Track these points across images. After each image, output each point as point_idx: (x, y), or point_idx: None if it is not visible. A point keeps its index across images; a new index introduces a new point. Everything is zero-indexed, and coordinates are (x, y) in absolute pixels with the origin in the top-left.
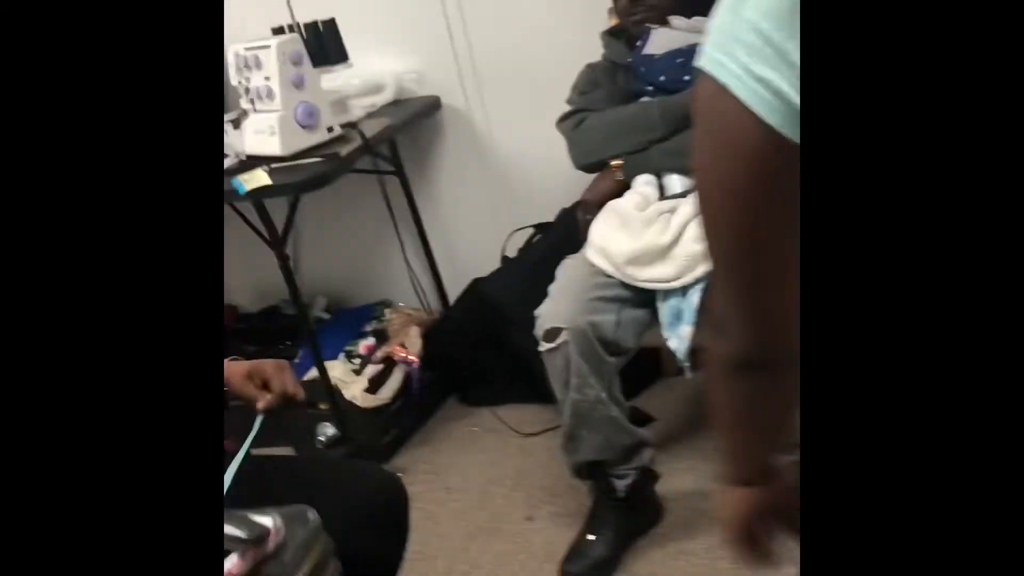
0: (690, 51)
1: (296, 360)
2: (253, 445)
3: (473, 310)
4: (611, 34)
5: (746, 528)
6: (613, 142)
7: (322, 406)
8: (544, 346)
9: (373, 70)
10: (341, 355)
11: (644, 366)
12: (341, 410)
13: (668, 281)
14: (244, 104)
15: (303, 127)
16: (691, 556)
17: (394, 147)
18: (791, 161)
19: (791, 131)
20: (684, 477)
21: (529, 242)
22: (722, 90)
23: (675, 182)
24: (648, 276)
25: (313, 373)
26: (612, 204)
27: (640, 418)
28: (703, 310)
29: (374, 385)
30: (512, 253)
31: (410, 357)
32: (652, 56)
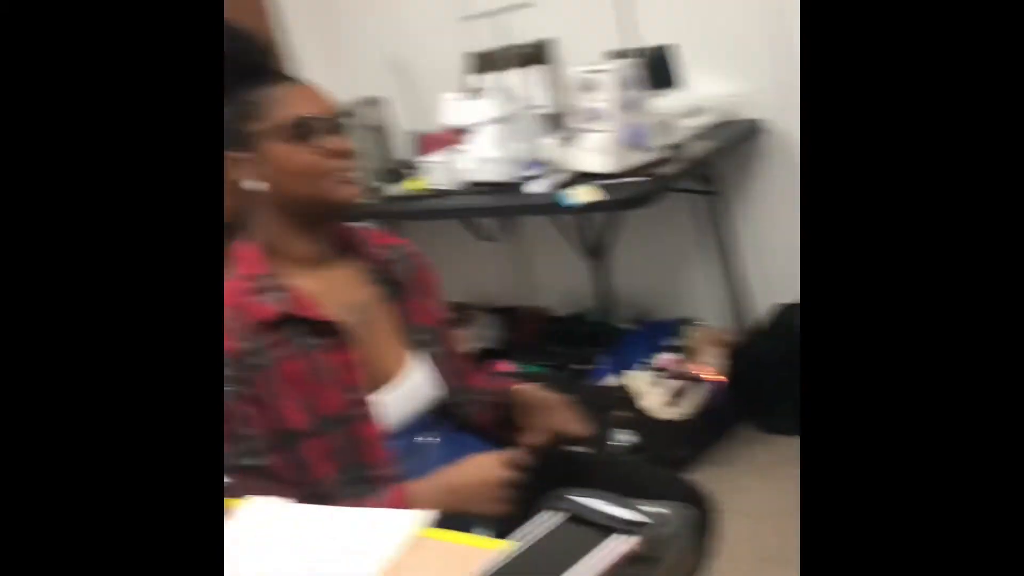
0: None
1: (597, 366)
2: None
3: (781, 336)
4: None
5: None
6: None
7: (620, 413)
8: None
9: (699, 92)
10: (642, 365)
11: None
12: (639, 419)
13: None
14: (575, 123)
15: (631, 147)
16: None
17: (714, 168)
18: None
19: None
20: None
21: None
22: None
23: None
24: None
25: (612, 380)
26: None
27: None
28: None
29: (673, 398)
30: None
31: (711, 375)
32: None
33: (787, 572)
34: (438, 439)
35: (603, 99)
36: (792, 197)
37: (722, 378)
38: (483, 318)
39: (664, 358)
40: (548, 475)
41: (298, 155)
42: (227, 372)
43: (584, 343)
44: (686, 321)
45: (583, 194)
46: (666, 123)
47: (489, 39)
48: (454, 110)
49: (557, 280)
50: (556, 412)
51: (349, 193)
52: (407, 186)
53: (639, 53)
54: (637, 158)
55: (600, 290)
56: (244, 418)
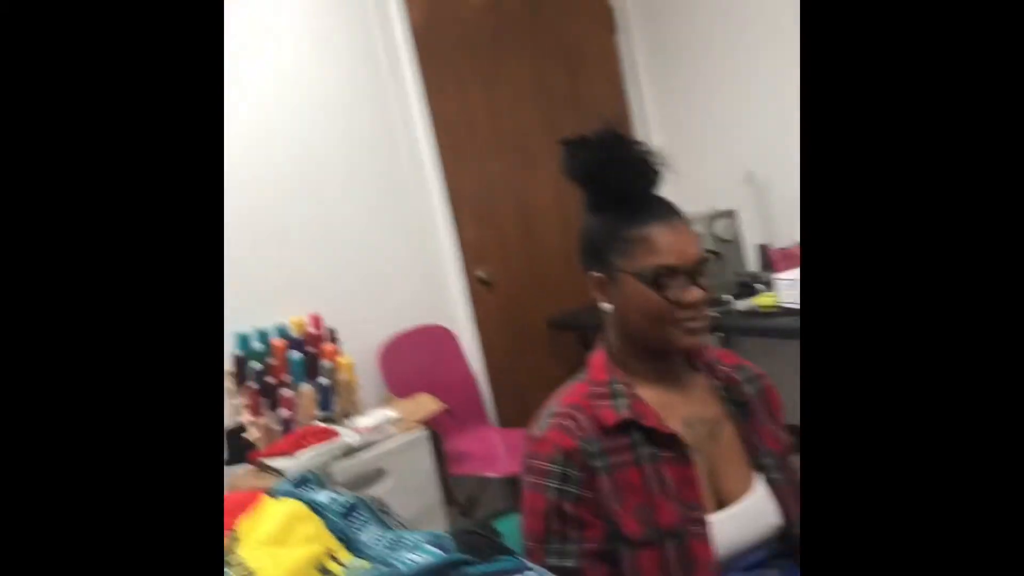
0: None
1: None
2: None
3: None
4: None
5: None
6: None
7: None
8: None
9: None
10: None
11: None
12: None
13: None
14: None
15: None
16: None
17: None
18: None
19: None
20: None
21: None
22: None
23: None
24: None
25: None
26: None
27: None
28: None
29: None
30: None
31: None
32: None
33: None
34: (775, 573)
35: None
36: None
37: None
38: None
39: None
40: None
41: (651, 300)
42: (561, 470)
43: None
44: None
45: None
46: None
47: None
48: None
49: None
50: None
51: (692, 343)
52: (756, 302)
53: None
54: None
55: None
56: (577, 520)
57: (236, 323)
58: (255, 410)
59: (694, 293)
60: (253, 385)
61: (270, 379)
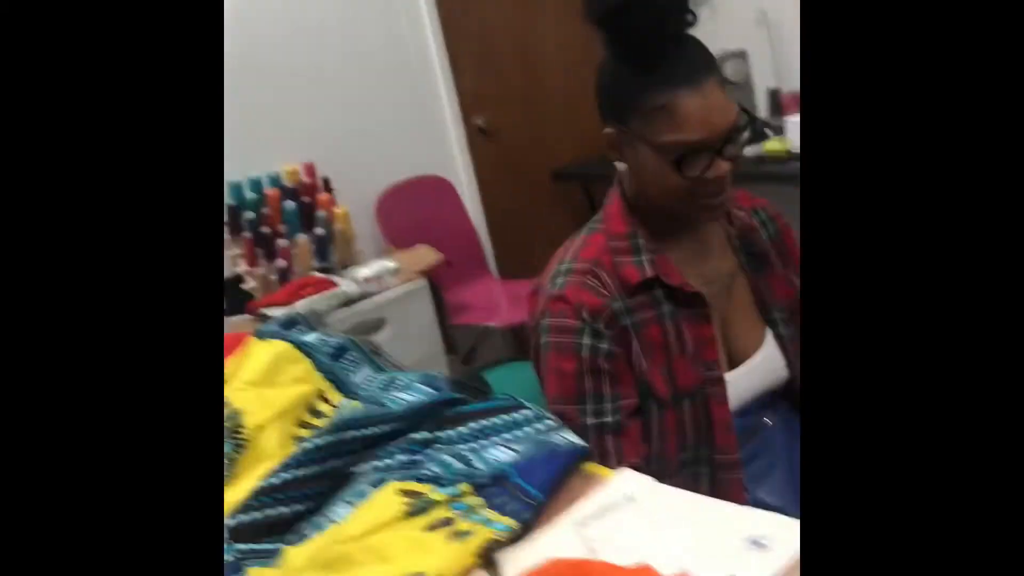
0: None
1: None
2: None
3: None
4: None
5: None
6: None
7: None
8: None
9: None
10: None
11: None
12: None
13: None
14: None
15: None
16: None
17: None
18: None
19: None
20: None
21: None
22: None
23: None
24: None
25: None
26: None
27: None
28: None
29: None
30: None
31: None
32: None
33: None
34: (776, 422)
35: None
36: None
37: None
38: None
39: None
40: None
41: (671, 177)
42: (591, 328)
43: None
44: None
45: None
46: None
47: None
48: None
49: None
50: None
51: (712, 218)
52: (767, 148)
53: None
54: None
55: None
56: (613, 376)
57: (227, 172)
58: (251, 260)
59: (720, 168)
60: (248, 235)
61: (265, 229)
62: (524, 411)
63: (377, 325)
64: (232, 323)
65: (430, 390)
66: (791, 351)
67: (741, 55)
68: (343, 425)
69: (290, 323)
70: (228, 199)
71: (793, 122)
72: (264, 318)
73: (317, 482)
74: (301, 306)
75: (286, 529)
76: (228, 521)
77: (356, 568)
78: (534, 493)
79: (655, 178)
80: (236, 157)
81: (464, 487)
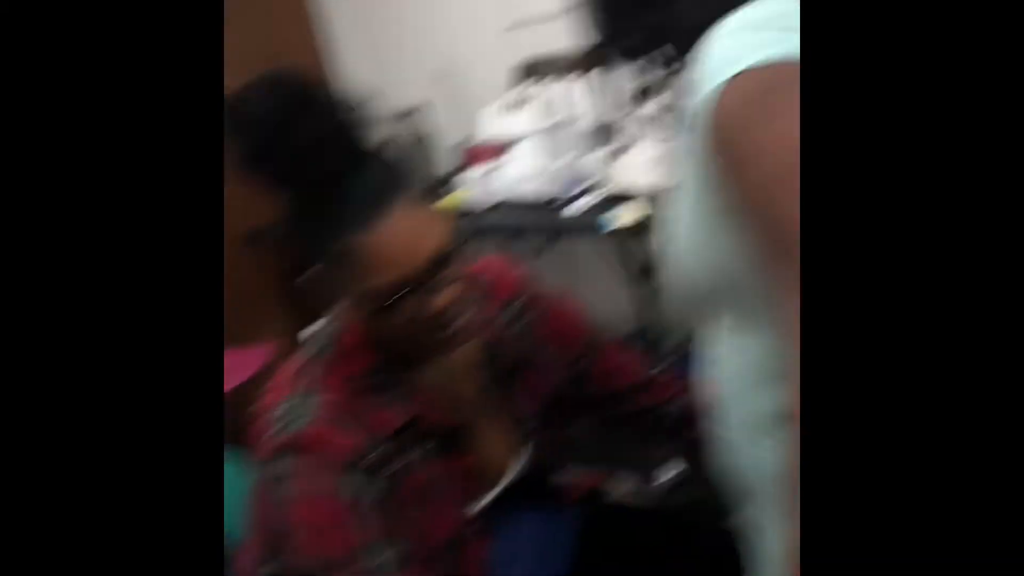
0: None
1: None
2: None
3: None
4: None
5: None
6: None
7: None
8: None
9: None
10: None
11: None
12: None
13: None
14: (625, 135)
15: None
16: None
17: None
18: None
19: None
20: None
21: None
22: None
23: None
24: None
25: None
26: None
27: None
28: None
29: None
30: None
31: None
32: None
33: None
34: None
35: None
36: None
37: None
38: None
39: None
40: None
41: (387, 326)
42: (348, 477)
43: None
44: None
45: (628, 215)
46: None
47: (541, 47)
48: (495, 122)
49: (601, 302)
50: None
51: (451, 348)
52: (444, 204)
53: None
54: None
55: (646, 314)
56: (378, 529)
57: None
58: None
59: (433, 304)
60: None
61: None
62: None
63: None
64: None
65: None
66: (539, 447)
67: (417, 110)
68: None
69: None
70: None
71: (469, 176)
72: None
73: None
74: None
75: None
76: None
77: None
78: None
79: (377, 330)
80: None
81: None
